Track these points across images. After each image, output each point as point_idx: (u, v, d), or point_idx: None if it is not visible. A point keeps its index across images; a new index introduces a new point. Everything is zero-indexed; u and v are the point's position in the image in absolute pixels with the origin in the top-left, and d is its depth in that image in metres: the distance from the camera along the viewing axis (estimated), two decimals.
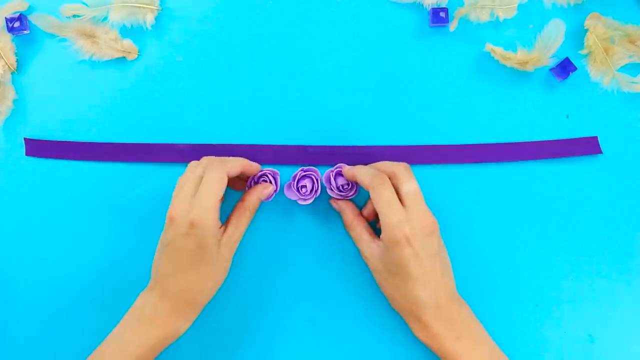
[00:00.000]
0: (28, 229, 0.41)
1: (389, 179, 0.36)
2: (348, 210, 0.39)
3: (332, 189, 0.39)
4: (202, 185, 0.36)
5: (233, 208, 0.39)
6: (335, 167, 0.40)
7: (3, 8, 0.42)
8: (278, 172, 0.39)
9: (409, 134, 0.41)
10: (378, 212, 0.35)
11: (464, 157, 0.41)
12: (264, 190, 0.39)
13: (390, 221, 0.35)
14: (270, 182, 0.39)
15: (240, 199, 0.39)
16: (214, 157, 0.38)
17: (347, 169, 0.39)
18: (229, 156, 0.39)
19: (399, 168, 0.36)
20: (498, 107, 0.41)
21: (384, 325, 0.39)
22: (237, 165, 0.37)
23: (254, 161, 0.38)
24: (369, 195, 0.37)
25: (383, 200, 0.35)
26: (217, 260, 0.36)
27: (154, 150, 0.42)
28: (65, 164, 0.42)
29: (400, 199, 0.35)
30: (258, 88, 0.42)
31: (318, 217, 0.41)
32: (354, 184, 0.39)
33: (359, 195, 0.39)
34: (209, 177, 0.36)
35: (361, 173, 0.37)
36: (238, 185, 0.40)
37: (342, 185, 0.39)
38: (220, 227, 0.37)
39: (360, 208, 0.40)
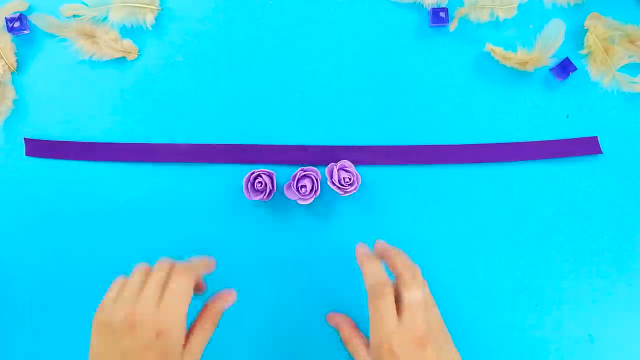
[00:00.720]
0: (28, 228, 0.41)
1: (396, 277, 0.34)
2: (344, 325, 0.37)
3: (332, 183, 0.39)
4: (169, 292, 0.33)
5: (197, 316, 0.36)
6: (338, 162, 0.40)
7: (3, 8, 0.42)
8: (274, 172, 0.40)
9: (409, 134, 0.41)
10: (370, 318, 0.33)
11: (464, 157, 0.41)
12: (228, 298, 0.36)
13: (378, 333, 0.32)
14: (266, 183, 0.39)
15: (204, 307, 0.36)
16: (174, 261, 0.35)
17: (359, 247, 0.36)
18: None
19: (408, 273, 0.33)
20: (498, 107, 0.41)
21: None
22: (201, 270, 0.35)
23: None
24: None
25: (378, 312, 0.32)
26: None
27: (154, 150, 0.42)
28: (65, 164, 0.42)
29: (398, 304, 0.33)
30: (258, 88, 0.42)
31: (318, 217, 0.41)
32: (354, 180, 0.39)
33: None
34: (179, 285, 0.33)
35: (366, 271, 0.34)
36: (196, 288, 0.37)
37: (343, 179, 0.39)
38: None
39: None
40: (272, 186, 0.39)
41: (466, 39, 0.42)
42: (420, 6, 0.42)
